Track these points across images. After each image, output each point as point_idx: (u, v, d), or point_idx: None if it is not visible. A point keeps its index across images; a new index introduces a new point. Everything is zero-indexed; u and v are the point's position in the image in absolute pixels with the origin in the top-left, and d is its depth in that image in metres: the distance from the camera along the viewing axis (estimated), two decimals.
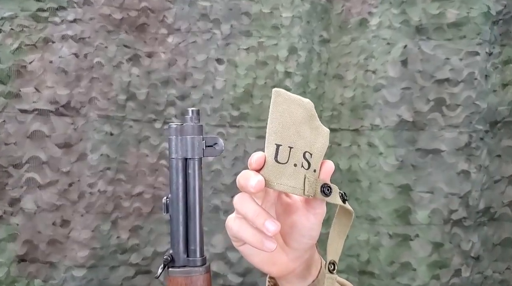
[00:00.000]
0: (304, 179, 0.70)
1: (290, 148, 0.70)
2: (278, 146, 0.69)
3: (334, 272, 0.75)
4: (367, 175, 1.50)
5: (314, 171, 0.71)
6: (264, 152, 0.70)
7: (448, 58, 1.46)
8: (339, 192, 0.73)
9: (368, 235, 1.50)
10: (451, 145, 1.46)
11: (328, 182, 0.72)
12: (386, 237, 1.48)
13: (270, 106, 0.71)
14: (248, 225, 0.70)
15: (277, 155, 0.69)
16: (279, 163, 0.69)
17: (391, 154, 1.48)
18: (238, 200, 0.70)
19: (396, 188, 1.48)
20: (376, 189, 1.49)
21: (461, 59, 1.46)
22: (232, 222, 0.72)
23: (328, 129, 0.75)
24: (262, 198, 0.75)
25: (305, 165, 0.70)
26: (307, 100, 0.73)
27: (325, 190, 0.71)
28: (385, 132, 1.48)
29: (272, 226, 0.67)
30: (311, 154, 0.71)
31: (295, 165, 0.69)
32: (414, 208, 1.47)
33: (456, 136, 1.46)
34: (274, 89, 0.72)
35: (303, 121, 0.71)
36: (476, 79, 1.45)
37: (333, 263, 0.75)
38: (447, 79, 1.46)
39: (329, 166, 0.73)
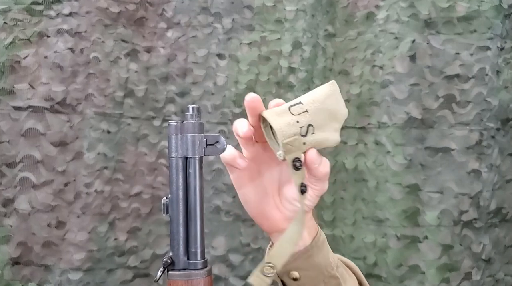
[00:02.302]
0: (292, 137, 0.75)
1: (306, 110, 0.75)
2: (299, 103, 0.76)
3: (269, 274, 0.77)
4: (374, 175, 1.50)
5: (304, 143, 0.76)
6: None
7: (458, 53, 1.46)
8: (304, 184, 0.77)
9: (375, 236, 1.50)
10: (461, 143, 1.45)
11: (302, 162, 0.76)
12: (394, 238, 1.47)
13: (323, 86, 0.80)
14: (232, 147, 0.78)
15: (294, 105, 0.76)
16: (289, 110, 0.76)
17: (399, 152, 1.47)
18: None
19: (404, 188, 1.47)
20: (384, 189, 1.48)
21: (471, 55, 1.45)
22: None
23: (339, 140, 0.80)
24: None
25: (303, 131, 0.75)
26: (345, 109, 0.81)
27: (297, 163, 0.75)
28: (393, 130, 1.48)
29: (241, 126, 0.77)
30: (314, 132, 0.76)
31: (297, 121, 0.75)
32: (423, 208, 1.46)
33: (466, 134, 1.45)
34: (332, 81, 0.81)
35: (329, 112, 0.78)
36: (487, 75, 1.45)
37: (270, 266, 0.77)
38: (457, 75, 1.45)
39: (315, 155, 0.76)
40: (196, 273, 0.75)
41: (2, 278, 1.37)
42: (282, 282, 0.87)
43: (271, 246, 0.89)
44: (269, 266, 0.77)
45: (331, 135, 0.78)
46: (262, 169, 0.84)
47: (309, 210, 0.83)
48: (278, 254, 0.78)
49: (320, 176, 0.77)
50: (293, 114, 0.75)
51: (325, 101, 0.77)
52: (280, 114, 0.75)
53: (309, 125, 0.75)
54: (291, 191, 0.81)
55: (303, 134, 0.75)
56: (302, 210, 0.78)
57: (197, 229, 0.76)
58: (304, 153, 0.76)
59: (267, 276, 0.76)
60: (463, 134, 1.45)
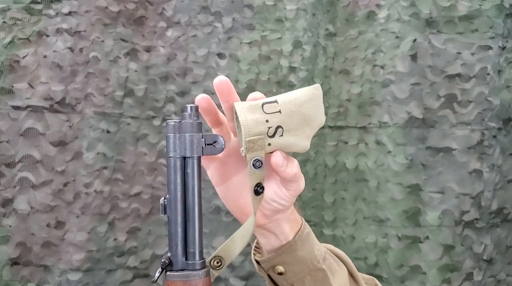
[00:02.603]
0: (257, 135, 0.74)
1: (279, 111, 0.74)
2: (275, 101, 0.75)
3: (218, 268, 0.79)
4: (375, 175, 1.50)
5: (269, 144, 0.74)
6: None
7: (459, 53, 1.46)
8: (260, 185, 0.77)
9: (376, 237, 1.50)
10: (463, 143, 1.45)
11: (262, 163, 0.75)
12: (395, 239, 1.47)
13: (306, 88, 0.78)
14: None
15: (268, 103, 0.75)
16: (262, 107, 0.74)
17: (400, 152, 1.47)
18: None
19: (405, 188, 1.47)
20: (385, 189, 1.48)
21: (473, 54, 1.45)
22: None
23: (308, 147, 0.79)
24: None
25: (271, 132, 0.74)
26: (323, 117, 0.80)
27: (256, 163, 0.74)
28: (394, 130, 1.47)
29: (199, 96, 0.79)
30: (282, 135, 0.75)
31: (267, 121, 0.74)
32: (424, 208, 1.46)
33: (467, 134, 1.45)
34: (317, 84, 0.79)
35: (303, 117, 0.76)
36: (488, 74, 1.45)
37: (219, 259, 0.79)
38: (458, 75, 1.45)
39: (279, 158, 0.75)
40: (194, 273, 0.74)
41: (1, 279, 1.37)
42: (269, 276, 0.87)
43: (257, 242, 0.90)
44: (218, 259, 0.79)
45: (300, 142, 0.77)
46: (240, 165, 0.83)
47: (285, 209, 0.81)
48: (228, 249, 0.80)
49: (288, 178, 0.76)
50: (265, 113, 0.74)
51: (302, 105, 0.76)
52: (251, 110, 0.74)
53: (279, 127, 0.74)
54: (270, 189, 0.79)
55: (270, 134, 0.74)
56: (254, 212, 0.77)
57: (195, 229, 0.76)
58: (270, 153, 0.75)
59: (215, 268, 0.79)
60: (464, 134, 1.45)
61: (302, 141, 0.77)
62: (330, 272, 0.87)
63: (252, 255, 0.90)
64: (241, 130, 0.74)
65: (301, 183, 0.78)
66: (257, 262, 0.88)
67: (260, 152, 0.74)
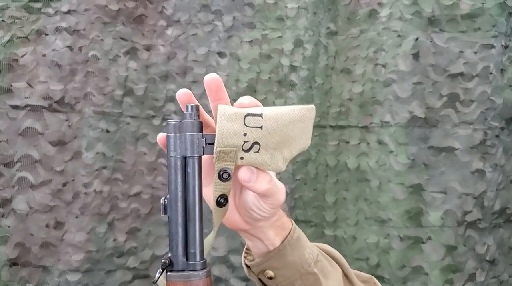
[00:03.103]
0: (230, 147, 0.72)
1: (261, 127, 0.72)
2: (260, 115, 0.73)
3: None
4: (377, 174, 1.50)
5: (242, 158, 0.73)
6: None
7: (462, 52, 1.46)
8: (224, 197, 0.75)
9: (377, 237, 1.50)
10: (465, 142, 1.45)
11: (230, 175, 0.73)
12: (397, 239, 1.47)
13: (296, 106, 0.75)
14: None
15: (252, 116, 0.72)
16: (245, 119, 0.72)
17: (402, 152, 1.47)
18: None
19: (407, 188, 1.47)
20: (386, 189, 1.48)
21: (475, 53, 1.45)
22: None
23: (282, 170, 0.76)
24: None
25: (246, 146, 0.72)
26: (308, 142, 0.77)
27: (223, 174, 0.73)
28: (396, 130, 1.47)
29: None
30: (258, 151, 0.73)
31: (244, 134, 0.72)
32: (426, 209, 1.46)
33: (470, 133, 1.45)
34: (312, 106, 0.76)
35: (285, 137, 0.74)
36: (491, 73, 1.44)
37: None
38: (461, 74, 1.45)
39: (245, 174, 0.74)
40: (195, 274, 0.74)
41: (0, 280, 1.38)
42: (260, 280, 0.88)
43: (247, 248, 0.90)
44: None
45: (276, 163, 0.75)
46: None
47: (267, 219, 0.80)
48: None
49: (259, 192, 0.74)
50: (246, 125, 0.72)
51: (288, 125, 0.74)
52: (232, 118, 0.72)
53: (256, 143, 0.72)
54: (248, 199, 0.78)
55: (245, 149, 0.73)
56: (215, 224, 0.75)
57: (196, 229, 0.76)
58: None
59: None
60: (467, 134, 1.45)
61: (278, 163, 0.75)
62: (322, 275, 0.86)
63: (243, 258, 0.90)
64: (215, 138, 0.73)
65: (278, 197, 0.77)
66: (247, 266, 0.89)
67: (230, 164, 0.72)
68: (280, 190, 0.77)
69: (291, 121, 0.74)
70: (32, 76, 1.40)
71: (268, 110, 0.73)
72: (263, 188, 0.73)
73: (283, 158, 0.75)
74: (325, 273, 0.88)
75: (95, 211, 1.44)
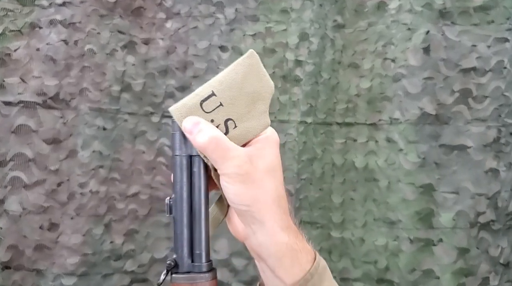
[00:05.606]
0: None
1: (221, 104, 0.74)
2: (212, 94, 0.74)
3: None
4: (386, 174, 1.50)
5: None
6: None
7: (474, 45, 1.46)
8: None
9: (386, 239, 1.50)
10: (478, 140, 1.46)
11: None
12: (407, 242, 1.48)
13: (236, 61, 0.76)
14: None
15: (206, 100, 0.74)
16: (201, 106, 0.74)
17: (412, 150, 1.48)
18: None
19: (418, 188, 1.47)
20: (396, 189, 1.49)
21: (489, 47, 1.46)
22: None
23: (268, 123, 0.77)
24: None
25: (223, 129, 0.74)
26: (271, 83, 0.78)
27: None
28: (406, 127, 1.48)
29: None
30: (236, 126, 0.74)
31: (212, 121, 0.74)
32: (437, 210, 1.46)
33: (483, 131, 1.46)
34: (250, 51, 0.77)
35: (249, 96, 0.75)
36: (505, 68, 1.45)
37: None
38: (473, 69, 1.46)
39: (186, 123, 0.74)
40: (201, 276, 0.75)
41: None
42: None
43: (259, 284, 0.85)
44: None
45: (258, 121, 0.76)
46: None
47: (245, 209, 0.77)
48: None
49: (197, 146, 0.73)
50: (207, 112, 0.73)
51: (243, 85, 0.75)
52: (190, 113, 0.74)
53: (228, 120, 0.74)
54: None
55: (224, 132, 0.74)
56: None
57: (201, 230, 0.77)
58: None
59: None
60: (480, 131, 1.46)
61: (260, 120, 0.76)
62: None
63: None
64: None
65: (221, 156, 0.73)
66: None
67: None
68: (228, 151, 0.74)
69: (243, 80, 0.75)
70: (26, 71, 1.40)
71: (216, 84, 0.75)
72: (201, 140, 0.73)
73: (260, 113, 0.77)
74: None
75: (91, 212, 1.44)
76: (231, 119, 0.74)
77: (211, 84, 0.75)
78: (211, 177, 0.76)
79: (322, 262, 0.79)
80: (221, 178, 0.74)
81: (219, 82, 0.75)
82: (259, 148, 0.75)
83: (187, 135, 0.73)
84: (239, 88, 0.74)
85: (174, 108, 0.74)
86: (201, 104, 0.73)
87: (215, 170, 0.75)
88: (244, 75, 0.75)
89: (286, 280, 0.75)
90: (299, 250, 0.76)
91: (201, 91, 0.75)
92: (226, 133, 0.74)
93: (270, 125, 0.78)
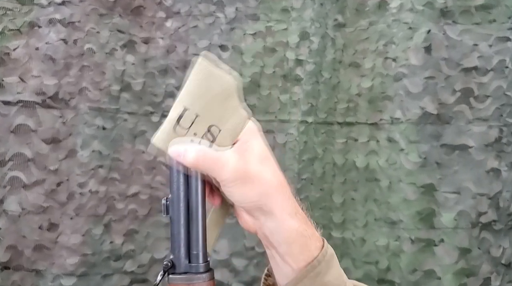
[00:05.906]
0: None
1: (197, 115, 0.73)
2: (185, 109, 0.73)
3: None
4: (387, 174, 1.50)
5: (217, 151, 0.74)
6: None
7: (476, 45, 1.46)
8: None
9: (387, 240, 1.50)
10: (480, 140, 1.46)
11: None
12: (408, 242, 1.48)
13: (192, 70, 0.75)
14: None
15: (181, 118, 0.73)
16: (180, 126, 0.73)
17: (413, 150, 1.48)
18: None
19: (419, 188, 1.47)
20: (397, 189, 1.49)
21: (490, 46, 1.45)
22: None
23: (246, 113, 0.77)
24: None
25: (209, 137, 0.74)
26: (228, 78, 0.75)
27: None
28: (407, 127, 1.48)
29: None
30: (220, 130, 0.74)
31: (195, 134, 0.73)
32: (438, 210, 1.46)
33: (485, 130, 1.45)
34: (202, 53, 0.75)
35: (218, 97, 0.74)
36: (507, 67, 1.45)
37: None
38: (475, 68, 1.45)
39: (173, 151, 0.74)
40: (198, 276, 0.75)
41: None
42: None
43: (268, 270, 0.85)
44: None
45: (237, 117, 0.76)
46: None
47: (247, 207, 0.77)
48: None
49: (189, 165, 0.74)
50: (186, 128, 0.74)
51: (208, 89, 0.74)
52: (174, 136, 0.74)
53: (210, 127, 0.74)
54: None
55: (211, 140, 0.74)
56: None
57: (198, 230, 0.76)
58: None
59: None
60: (481, 131, 1.45)
61: (238, 116, 0.76)
62: None
63: (262, 284, 0.86)
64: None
65: (216, 167, 0.73)
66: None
67: None
68: (217, 160, 0.73)
69: (205, 83, 0.74)
70: (25, 71, 1.40)
71: (185, 98, 0.74)
72: (189, 159, 0.73)
73: (235, 108, 0.76)
74: None
75: (91, 212, 1.44)
76: (213, 125, 0.74)
77: (180, 101, 0.74)
78: (208, 178, 0.76)
79: (330, 249, 0.79)
80: (221, 185, 0.74)
81: (187, 96, 0.75)
82: (243, 142, 0.75)
83: (178, 161, 0.73)
84: (206, 93, 0.74)
85: (156, 139, 0.75)
86: (178, 123, 0.73)
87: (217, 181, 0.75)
88: (205, 80, 0.74)
89: (294, 265, 0.75)
90: (308, 237, 0.77)
91: (173, 112, 0.74)
92: (213, 140, 0.74)
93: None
